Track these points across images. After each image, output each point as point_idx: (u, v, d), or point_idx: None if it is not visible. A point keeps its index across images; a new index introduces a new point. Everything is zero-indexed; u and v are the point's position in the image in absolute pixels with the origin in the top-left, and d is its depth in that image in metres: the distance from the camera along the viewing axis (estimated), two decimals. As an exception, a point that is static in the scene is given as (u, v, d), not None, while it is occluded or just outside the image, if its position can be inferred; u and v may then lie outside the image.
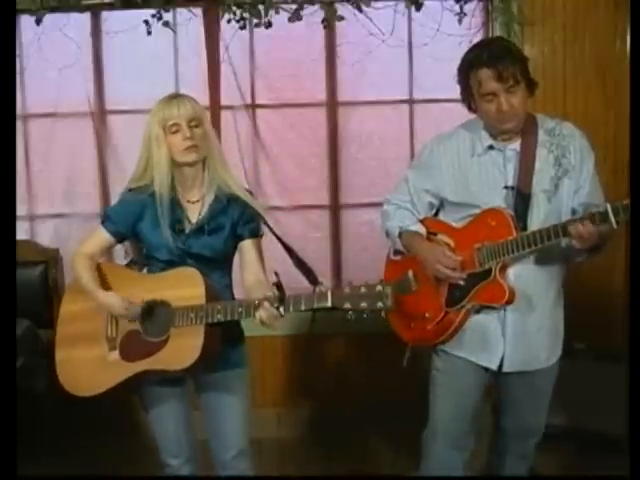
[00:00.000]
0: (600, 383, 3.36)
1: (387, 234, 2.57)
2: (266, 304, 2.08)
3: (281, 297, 2.06)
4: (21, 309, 2.53)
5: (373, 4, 3.59)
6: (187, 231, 2.30)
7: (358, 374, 3.80)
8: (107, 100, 3.80)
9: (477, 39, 3.52)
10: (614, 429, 3.28)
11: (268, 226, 2.35)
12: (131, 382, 2.24)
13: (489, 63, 2.22)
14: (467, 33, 3.61)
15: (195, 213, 2.31)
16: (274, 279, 2.06)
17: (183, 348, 2.15)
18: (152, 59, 3.68)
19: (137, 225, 2.32)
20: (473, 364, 2.42)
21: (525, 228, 2.29)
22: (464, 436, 2.50)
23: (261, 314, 2.09)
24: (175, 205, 2.30)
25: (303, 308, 2.07)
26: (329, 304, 2.04)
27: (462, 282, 2.35)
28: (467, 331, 2.40)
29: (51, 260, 3.69)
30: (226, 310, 2.14)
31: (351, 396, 3.78)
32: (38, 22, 3.56)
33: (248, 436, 2.41)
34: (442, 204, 2.50)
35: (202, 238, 2.29)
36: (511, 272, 2.33)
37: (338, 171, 3.87)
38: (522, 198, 2.30)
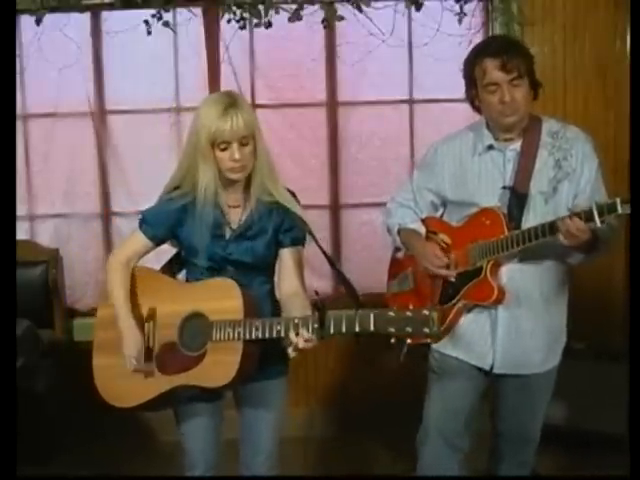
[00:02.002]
0: (600, 383, 3.36)
1: (388, 231, 2.60)
2: (304, 331, 1.98)
3: (321, 319, 1.96)
4: (21, 309, 2.52)
5: (373, 4, 3.60)
6: (227, 237, 2.21)
7: (358, 374, 3.80)
8: (107, 100, 3.79)
9: (477, 39, 3.52)
10: (614, 429, 3.28)
11: (314, 237, 2.26)
12: (168, 396, 2.17)
13: (495, 53, 2.25)
14: (467, 33, 3.61)
15: (236, 218, 2.22)
16: (314, 297, 1.99)
17: (220, 365, 2.07)
18: (152, 59, 3.68)
19: (176, 229, 2.23)
20: (467, 364, 2.43)
21: (519, 228, 2.28)
22: (458, 436, 2.50)
23: (304, 335, 1.98)
24: (216, 210, 2.19)
25: (344, 331, 1.96)
26: (372, 328, 1.93)
27: (455, 280, 2.37)
28: (460, 330, 2.41)
29: (51, 260, 3.69)
30: (264, 327, 2.04)
31: (351, 396, 3.78)
32: (38, 22, 3.56)
33: (278, 439, 2.38)
34: (445, 204, 2.51)
35: (243, 243, 2.20)
36: (504, 273, 2.33)
37: (338, 171, 3.87)
38: (518, 198, 2.31)
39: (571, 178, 2.32)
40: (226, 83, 3.68)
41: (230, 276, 2.16)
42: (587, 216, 2.06)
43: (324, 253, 2.25)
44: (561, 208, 2.32)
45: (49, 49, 3.65)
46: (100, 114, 3.78)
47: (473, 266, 2.33)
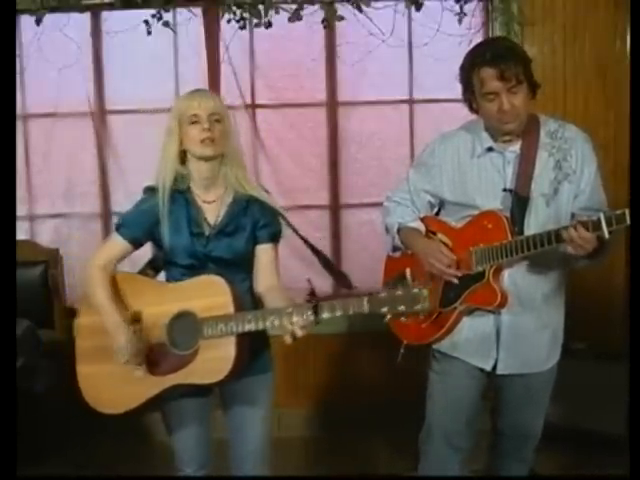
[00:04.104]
0: (600, 383, 3.36)
1: (387, 230, 2.58)
2: (299, 318, 2.01)
3: (316, 304, 2.00)
4: (21, 309, 2.52)
5: (373, 4, 3.60)
6: (207, 233, 2.21)
7: (358, 374, 3.80)
8: (107, 100, 3.80)
9: (477, 39, 3.52)
10: (614, 429, 3.28)
11: (293, 229, 2.28)
12: (160, 397, 2.17)
13: (492, 62, 2.20)
14: (467, 33, 3.61)
15: (213, 214, 2.23)
16: (307, 285, 2.02)
17: (215, 360, 2.08)
18: (152, 59, 3.68)
19: (154, 229, 2.22)
20: (468, 365, 2.43)
21: (521, 232, 2.27)
22: (460, 436, 2.50)
23: (298, 322, 2.01)
24: (191, 206, 2.22)
25: (339, 314, 2.01)
26: (366, 310, 1.99)
27: (456, 283, 2.35)
28: (462, 332, 2.40)
29: (51, 260, 3.69)
30: (257, 319, 2.06)
31: (351, 396, 3.78)
32: (38, 22, 3.57)
33: (269, 438, 2.37)
34: (442, 203, 2.50)
35: (223, 240, 2.21)
36: (507, 276, 2.32)
37: (338, 171, 3.87)
38: (520, 201, 2.29)
39: (571, 179, 2.31)
40: (226, 83, 3.69)
41: (212, 273, 2.17)
42: (595, 226, 2.04)
43: (307, 242, 2.28)
44: (562, 210, 2.31)
45: (49, 49, 3.65)
46: (100, 114, 3.78)
47: (476, 270, 2.32)
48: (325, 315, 2.02)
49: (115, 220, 3.73)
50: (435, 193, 2.47)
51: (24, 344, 3.19)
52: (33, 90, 3.75)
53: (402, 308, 1.97)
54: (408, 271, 2.49)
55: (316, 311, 2.01)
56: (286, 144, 3.79)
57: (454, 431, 2.49)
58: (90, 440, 3.55)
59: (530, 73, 2.27)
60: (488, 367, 2.41)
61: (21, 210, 3.73)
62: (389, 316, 1.99)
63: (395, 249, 2.57)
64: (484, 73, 2.22)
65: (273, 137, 3.83)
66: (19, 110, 3.68)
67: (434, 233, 2.47)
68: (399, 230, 2.51)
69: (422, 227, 2.49)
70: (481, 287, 2.31)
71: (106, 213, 3.85)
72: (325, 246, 3.86)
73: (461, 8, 3.59)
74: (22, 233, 3.74)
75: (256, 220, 2.25)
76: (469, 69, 2.28)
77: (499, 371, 2.40)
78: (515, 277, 2.33)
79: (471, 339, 2.40)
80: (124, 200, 3.77)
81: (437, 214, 2.53)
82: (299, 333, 2.02)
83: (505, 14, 3.57)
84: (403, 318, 2.03)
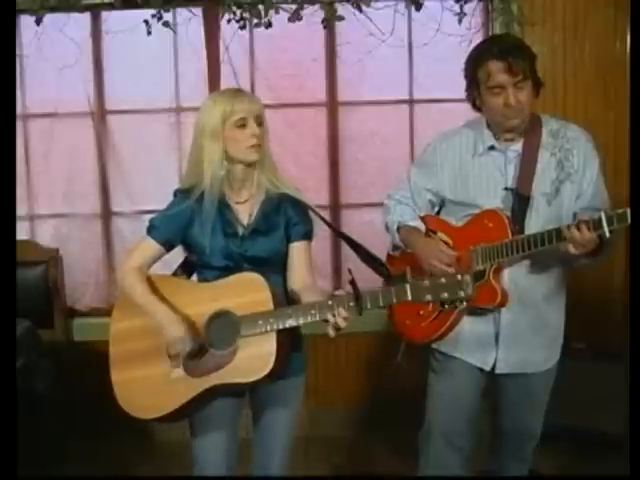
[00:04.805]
0: (600, 383, 3.36)
1: (387, 228, 2.58)
2: (341, 309, 1.97)
3: (357, 295, 1.97)
4: (21, 309, 2.52)
5: (373, 4, 3.59)
6: (240, 233, 2.18)
7: (358, 374, 3.80)
8: (107, 100, 3.79)
9: (477, 39, 3.51)
10: (614, 429, 3.28)
11: (327, 223, 2.27)
12: (200, 399, 2.12)
13: (500, 55, 2.21)
14: (467, 33, 3.61)
15: (245, 214, 2.20)
16: (349, 277, 1.98)
17: (256, 357, 2.04)
18: (152, 59, 3.68)
19: (187, 232, 2.19)
20: (468, 364, 2.43)
21: (522, 231, 2.27)
22: (460, 436, 2.50)
23: (341, 314, 1.97)
24: (224, 206, 2.18)
25: (382, 304, 2.00)
26: (409, 298, 1.98)
27: None
28: (462, 331, 2.40)
29: (51, 260, 3.69)
30: (298, 314, 2.03)
31: (351, 396, 3.78)
32: (38, 22, 3.56)
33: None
34: (443, 202, 2.50)
35: (258, 239, 2.18)
36: (507, 275, 2.32)
37: (338, 171, 3.87)
38: (521, 200, 2.29)
39: (573, 179, 2.31)
40: (226, 83, 3.68)
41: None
42: (596, 225, 2.04)
43: (343, 236, 2.30)
44: (564, 210, 2.31)
45: (49, 49, 3.64)
46: (100, 114, 3.78)
47: (476, 269, 2.32)
48: (368, 305, 1.99)
49: (116, 220, 3.82)
50: (436, 192, 2.47)
51: (24, 344, 3.19)
52: (33, 90, 3.74)
53: (445, 295, 1.96)
54: (408, 269, 2.49)
55: (358, 301, 1.98)
56: (286, 144, 3.79)
57: (454, 431, 2.49)
58: (90, 440, 3.55)
59: (535, 71, 2.28)
60: (487, 367, 2.41)
61: (21, 210, 3.73)
62: (430, 303, 2.01)
63: (395, 248, 2.58)
64: (492, 66, 2.23)
65: (273, 137, 3.81)
66: (19, 110, 3.68)
67: (434, 232, 2.47)
68: (399, 229, 2.50)
69: (422, 226, 2.49)
70: (481, 286, 2.31)
71: (106, 213, 3.85)
72: (325, 246, 3.86)
73: (461, 8, 3.59)
74: (22, 233, 3.73)
75: (289, 218, 2.22)
76: (476, 62, 2.28)
77: (498, 370, 2.40)
78: (515, 276, 2.33)
79: (471, 338, 2.40)
80: (124, 200, 3.80)
81: (438, 213, 2.53)
82: (342, 324, 1.98)
83: (505, 14, 3.56)
84: (446, 306, 2.09)
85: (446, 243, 2.42)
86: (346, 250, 3.90)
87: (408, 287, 1.98)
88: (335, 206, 3.90)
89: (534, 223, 2.29)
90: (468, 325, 2.40)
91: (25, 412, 2.68)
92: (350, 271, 2.01)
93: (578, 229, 2.06)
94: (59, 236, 3.83)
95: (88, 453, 3.50)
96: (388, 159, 3.82)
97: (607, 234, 2.02)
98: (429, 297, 1.97)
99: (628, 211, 1.98)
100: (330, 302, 2.00)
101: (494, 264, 2.29)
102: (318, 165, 3.87)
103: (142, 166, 3.76)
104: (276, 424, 2.29)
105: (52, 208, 3.84)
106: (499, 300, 2.29)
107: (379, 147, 3.85)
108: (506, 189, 2.32)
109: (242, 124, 2.12)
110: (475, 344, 2.40)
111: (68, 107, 3.75)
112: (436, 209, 2.53)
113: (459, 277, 1.96)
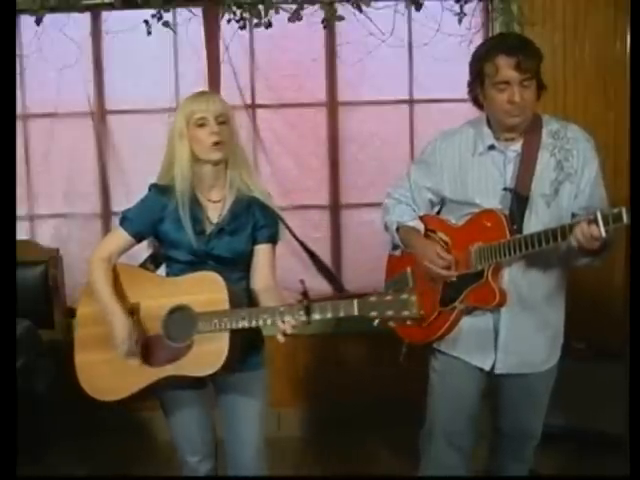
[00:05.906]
0: (600, 383, 3.36)
1: (386, 228, 2.58)
2: (290, 318, 2.06)
3: (308, 305, 2.05)
4: (21, 309, 2.53)
5: (373, 4, 3.59)
6: (208, 232, 2.26)
7: (358, 374, 3.79)
8: (107, 100, 3.80)
9: (477, 39, 3.54)
10: (614, 429, 3.28)
11: (291, 231, 2.34)
12: (154, 387, 2.22)
13: (510, 51, 2.21)
14: (467, 33, 3.61)
15: (215, 213, 2.28)
16: (300, 287, 2.05)
17: (208, 354, 2.13)
18: (152, 59, 3.68)
19: (158, 225, 2.27)
20: (468, 364, 2.43)
21: (521, 231, 2.26)
22: (461, 435, 2.50)
23: (289, 321, 2.06)
24: (195, 204, 2.26)
25: (329, 316, 2.07)
26: (355, 312, 2.03)
27: (456, 282, 2.35)
28: (462, 331, 2.40)
29: (51, 260, 3.69)
30: (251, 317, 2.11)
31: (351, 396, 3.78)
32: (38, 22, 3.56)
33: (264, 436, 2.39)
34: (444, 201, 2.49)
35: (224, 239, 2.26)
36: (507, 275, 2.32)
37: (338, 171, 3.87)
38: (519, 201, 2.28)
39: (572, 179, 2.30)
40: (226, 83, 3.69)
41: (211, 270, 2.20)
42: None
43: (302, 245, 2.35)
44: (562, 210, 2.31)
45: (49, 49, 3.65)
46: (100, 114, 3.78)
47: (474, 269, 2.32)
48: (316, 316, 2.06)
49: (116, 220, 3.80)
50: (436, 190, 2.47)
51: (24, 344, 3.19)
52: (33, 90, 3.75)
53: (390, 313, 2.01)
54: (409, 270, 2.49)
55: (307, 312, 2.05)
56: (286, 144, 3.79)
57: (455, 431, 2.49)
58: (90, 440, 3.55)
59: (540, 72, 2.28)
60: (487, 367, 2.41)
61: (21, 210, 3.73)
62: (377, 320, 2.03)
63: (395, 247, 2.58)
64: (501, 61, 2.22)
65: (273, 137, 3.83)
66: (19, 110, 3.68)
67: (433, 231, 2.47)
68: (398, 229, 2.51)
69: (421, 226, 2.49)
70: (480, 286, 2.31)
71: (106, 213, 3.85)
72: (325, 246, 3.86)
73: (461, 8, 3.59)
74: (22, 233, 3.74)
75: (256, 221, 2.29)
76: (484, 56, 2.27)
77: (497, 370, 2.40)
78: (515, 276, 2.33)
79: (470, 338, 2.40)
80: (124, 200, 3.79)
81: (438, 213, 2.53)
82: (289, 331, 2.07)
83: (505, 14, 3.56)
84: (391, 323, 2.05)
85: (445, 243, 2.42)
86: (346, 250, 3.92)
87: (355, 302, 2.04)
88: (335, 206, 3.90)
89: (533, 224, 2.28)
90: (468, 325, 2.40)
91: (25, 412, 2.68)
92: (302, 282, 2.06)
93: (579, 228, 2.03)
94: (59, 236, 3.83)
95: (87, 453, 3.50)
96: (388, 159, 3.82)
97: (603, 234, 2.01)
98: (374, 314, 2.02)
99: (624, 210, 1.96)
100: (282, 309, 2.08)
101: (492, 264, 2.28)
102: (318, 165, 3.87)
103: (142, 166, 3.75)
104: (240, 416, 2.34)
105: (52, 208, 3.84)
106: (497, 300, 2.29)
107: (379, 147, 3.85)
108: (505, 189, 2.31)
109: (202, 123, 2.20)
110: (475, 344, 2.40)
111: (68, 107, 3.75)
112: (436, 208, 2.53)
113: (404, 296, 2.01)
